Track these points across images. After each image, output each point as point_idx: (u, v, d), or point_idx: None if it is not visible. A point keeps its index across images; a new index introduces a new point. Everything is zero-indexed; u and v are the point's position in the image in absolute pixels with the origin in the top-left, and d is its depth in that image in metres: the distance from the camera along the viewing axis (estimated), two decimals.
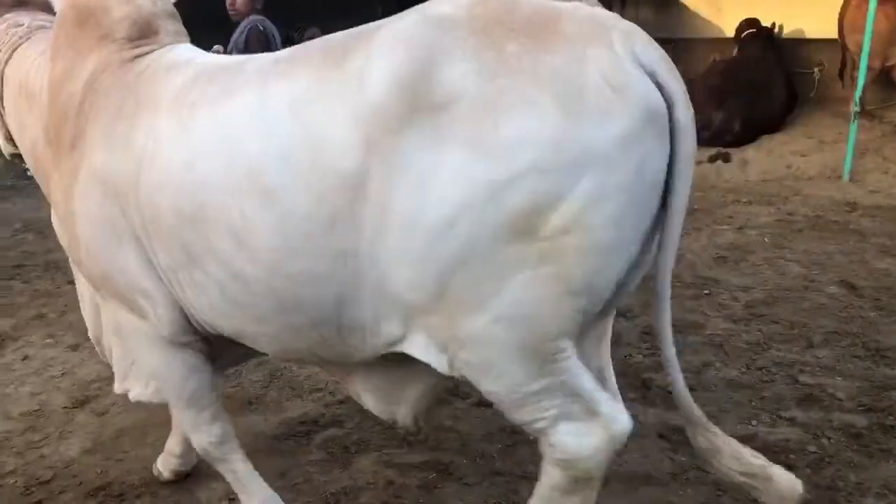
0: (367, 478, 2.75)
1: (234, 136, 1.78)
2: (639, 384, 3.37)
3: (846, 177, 6.88)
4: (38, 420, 3.22)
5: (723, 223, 5.81)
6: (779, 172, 7.30)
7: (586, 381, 1.74)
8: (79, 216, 2.07)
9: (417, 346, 1.76)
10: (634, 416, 3.01)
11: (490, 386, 1.74)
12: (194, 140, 1.84)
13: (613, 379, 2.06)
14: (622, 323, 4.01)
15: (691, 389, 3.22)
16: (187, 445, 2.63)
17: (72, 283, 4.86)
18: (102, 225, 2.03)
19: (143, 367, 2.41)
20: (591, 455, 1.75)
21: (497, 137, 1.50)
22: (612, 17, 1.64)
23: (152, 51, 2.12)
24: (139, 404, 3.25)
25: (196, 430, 2.31)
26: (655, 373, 3.44)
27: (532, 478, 2.72)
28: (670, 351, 1.82)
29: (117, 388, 2.60)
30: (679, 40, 10.08)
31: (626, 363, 3.56)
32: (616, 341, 3.79)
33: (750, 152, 7.70)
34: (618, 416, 1.77)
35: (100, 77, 2.08)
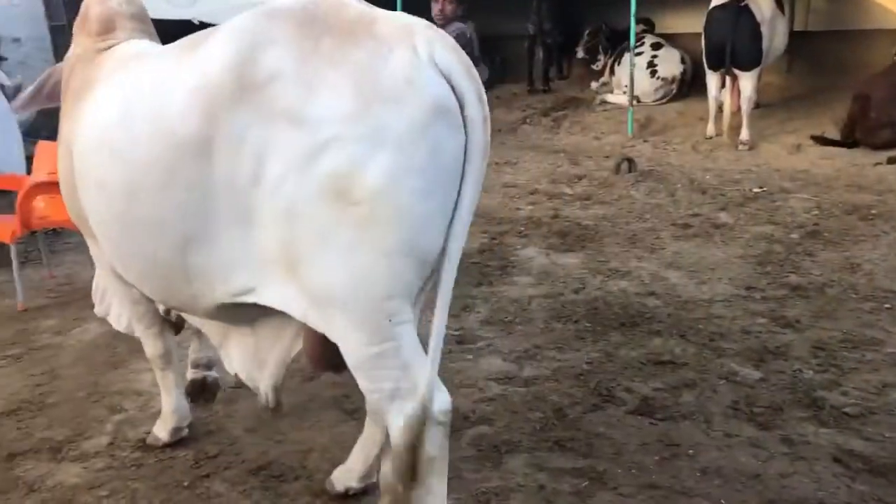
0: (517, 479, 2.71)
1: (106, 105, 2.30)
2: (809, 402, 3.13)
3: None
4: None
5: None
6: None
7: (417, 354, 2.01)
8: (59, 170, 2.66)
9: (271, 298, 2.06)
10: (803, 437, 2.85)
11: (340, 345, 2.01)
12: (88, 113, 2.36)
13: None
14: (789, 335, 3.76)
15: (870, 413, 3.00)
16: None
17: None
18: (64, 179, 2.60)
19: (108, 295, 3.07)
20: (414, 435, 2.00)
21: (306, 111, 1.84)
22: (422, 25, 1.95)
23: (116, 44, 2.61)
24: (294, 389, 3.41)
25: (146, 344, 2.94)
26: (829, 391, 3.20)
27: (690, 494, 2.61)
28: (441, 326, 2.02)
29: (97, 310, 3.19)
30: (856, 32, 9.38)
31: (795, 379, 3.32)
32: (783, 354, 3.58)
33: None
34: (437, 395, 2.03)
35: (76, 64, 2.65)
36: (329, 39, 1.89)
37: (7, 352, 3.93)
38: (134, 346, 3.93)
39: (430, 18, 1.93)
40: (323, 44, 1.88)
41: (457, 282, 2.03)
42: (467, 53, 2.02)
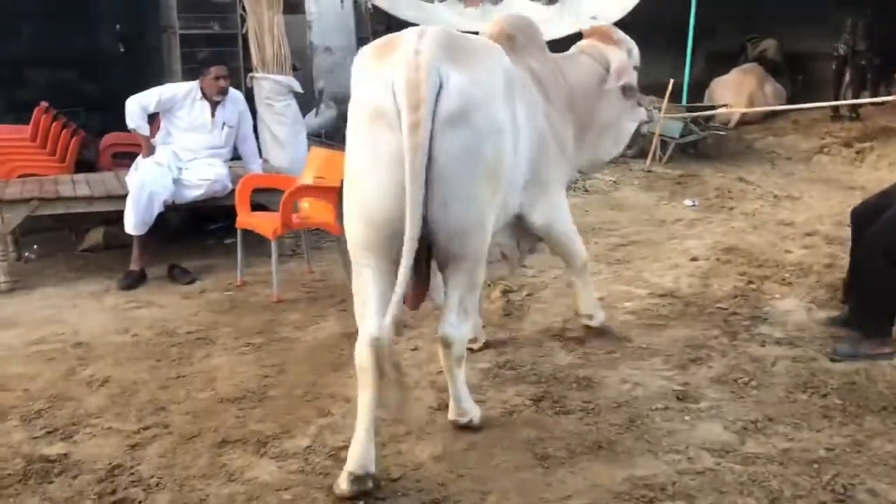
0: None
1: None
2: None
3: None
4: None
5: None
6: None
7: (373, 295, 2.85)
8: None
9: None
10: None
11: None
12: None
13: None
14: None
15: None
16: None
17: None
18: None
19: None
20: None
21: None
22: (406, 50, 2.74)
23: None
24: (493, 422, 3.31)
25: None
26: None
27: None
28: (402, 277, 2.65)
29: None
30: None
31: None
32: None
33: None
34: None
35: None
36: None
37: (252, 339, 4.31)
38: None
39: None
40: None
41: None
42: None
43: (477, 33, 3.66)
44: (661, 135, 9.05)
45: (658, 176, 8.71)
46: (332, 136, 10.69)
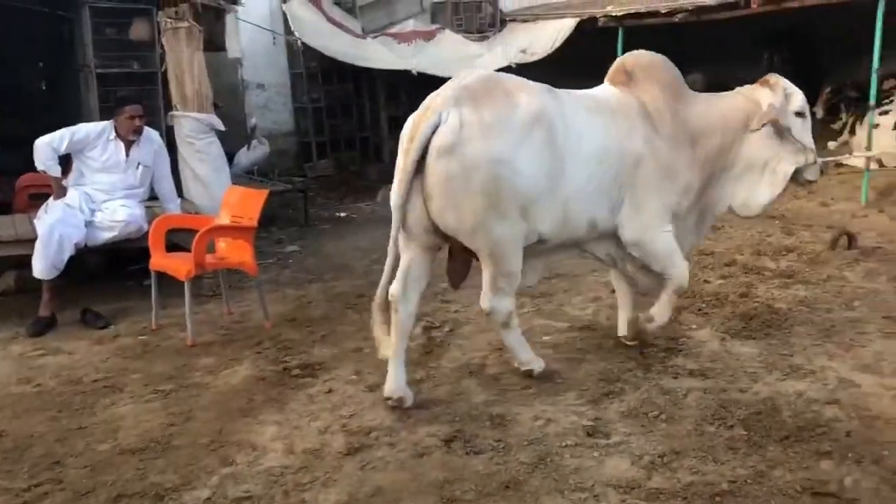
0: None
1: None
2: None
3: None
4: (314, 461, 3.35)
5: None
6: None
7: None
8: None
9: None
10: None
11: None
12: None
13: None
14: None
15: None
16: None
17: None
18: None
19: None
20: None
21: None
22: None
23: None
24: (402, 465, 3.25)
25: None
26: None
27: None
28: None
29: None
30: None
31: None
32: None
33: None
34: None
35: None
36: None
37: (161, 386, 4.18)
38: (270, 395, 4.03)
39: None
40: None
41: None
42: None
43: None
44: None
45: None
46: (265, 172, 10.61)
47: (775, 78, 4.44)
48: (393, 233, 3.71)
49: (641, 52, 4.42)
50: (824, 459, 3.22)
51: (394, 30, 11.74)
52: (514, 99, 3.64)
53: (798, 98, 4.38)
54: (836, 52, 10.57)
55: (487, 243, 3.70)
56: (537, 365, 4.12)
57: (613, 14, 9.85)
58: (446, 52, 11.08)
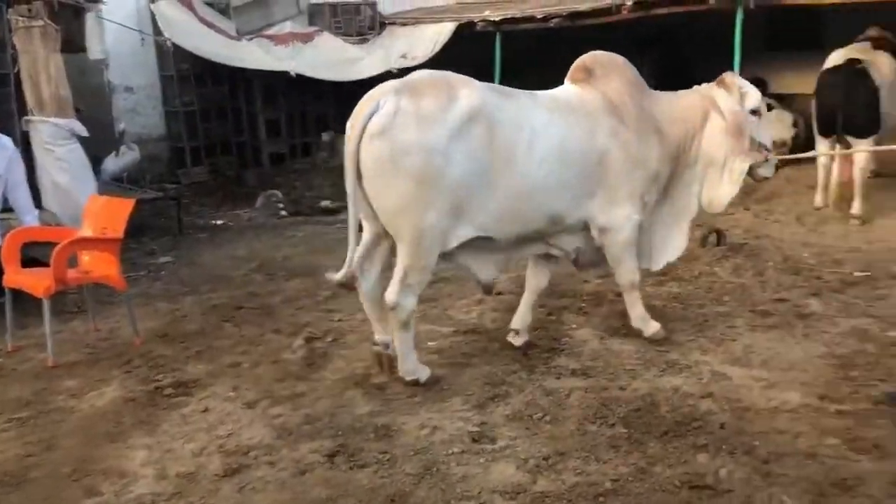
0: None
1: None
2: None
3: None
4: (188, 485, 3.17)
5: None
6: None
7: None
8: None
9: None
10: None
11: None
12: None
13: None
14: (864, 463, 3.18)
15: None
16: None
17: (276, 331, 4.95)
18: None
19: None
20: None
21: None
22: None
23: None
24: (283, 484, 3.12)
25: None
26: None
27: None
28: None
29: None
30: None
31: None
32: (851, 489, 3.00)
33: None
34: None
35: None
36: None
37: (17, 413, 3.86)
38: (140, 417, 3.79)
39: None
40: None
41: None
42: None
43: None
44: None
45: None
46: (135, 179, 10.10)
47: (731, 77, 4.60)
48: (350, 220, 3.93)
49: (598, 51, 4.55)
50: (701, 453, 3.32)
51: (270, 31, 11.45)
52: (454, 94, 3.78)
53: (753, 97, 4.51)
54: (702, 56, 11.08)
55: (409, 230, 3.79)
56: (423, 374, 4.07)
57: (491, 19, 9.96)
58: (325, 55, 10.91)
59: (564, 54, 5.82)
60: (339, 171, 10.06)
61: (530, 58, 11.92)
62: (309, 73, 10.07)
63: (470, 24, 10.26)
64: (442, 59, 10.30)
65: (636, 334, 4.66)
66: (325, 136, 11.47)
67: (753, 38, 8.51)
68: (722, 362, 4.25)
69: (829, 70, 7.53)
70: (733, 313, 5.05)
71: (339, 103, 11.33)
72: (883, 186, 7.99)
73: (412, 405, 3.87)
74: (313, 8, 12.06)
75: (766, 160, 4.58)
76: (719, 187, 4.53)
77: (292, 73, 10.34)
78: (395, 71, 10.35)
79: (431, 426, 3.64)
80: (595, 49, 4.56)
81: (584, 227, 4.35)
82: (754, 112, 4.50)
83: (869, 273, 5.78)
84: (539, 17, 9.43)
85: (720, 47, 8.57)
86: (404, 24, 11.46)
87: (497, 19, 9.91)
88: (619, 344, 4.59)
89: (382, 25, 11.76)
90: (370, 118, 3.71)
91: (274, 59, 10.78)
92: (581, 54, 4.54)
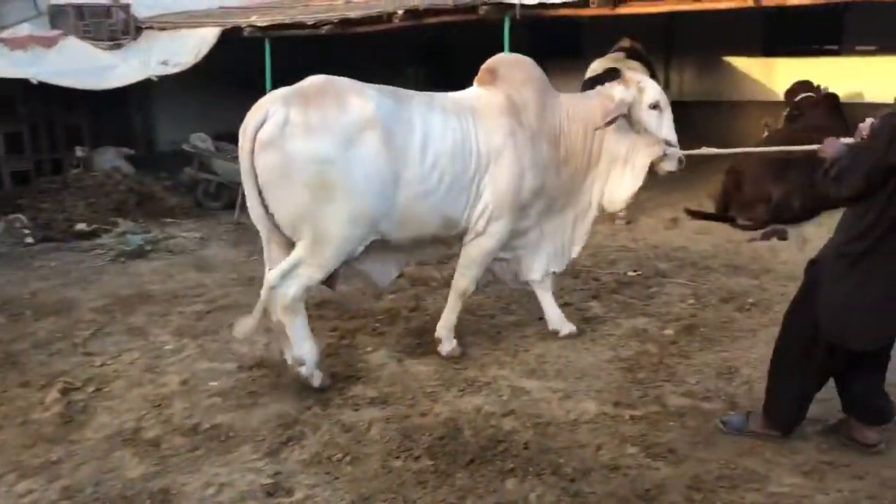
0: None
1: None
2: None
3: None
4: None
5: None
6: None
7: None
8: None
9: None
10: None
11: None
12: None
13: None
14: (663, 469, 3.24)
15: None
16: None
17: (23, 384, 4.24)
18: None
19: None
20: None
21: None
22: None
23: None
24: None
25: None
26: None
27: None
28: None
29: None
30: (728, 103, 9.36)
31: None
32: (654, 499, 3.01)
33: (809, 230, 6.86)
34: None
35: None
36: None
37: None
38: None
39: None
40: None
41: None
42: None
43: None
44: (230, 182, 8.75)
45: (247, 228, 8.32)
46: None
47: (630, 73, 4.55)
48: (263, 242, 3.99)
49: (505, 53, 4.52)
50: (509, 478, 3.22)
51: (4, 34, 10.09)
52: (344, 102, 3.78)
53: (651, 91, 4.43)
54: (473, 63, 11.37)
55: (311, 236, 3.79)
56: (310, 361, 4.02)
57: (258, 24, 9.48)
58: (72, 62, 9.77)
59: (339, 63, 5.59)
60: (95, 189, 9.18)
61: (309, 65, 11.62)
62: (55, 80, 8.98)
63: (236, 30, 9.70)
64: (209, 67, 9.68)
65: (433, 352, 4.52)
66: (79, 151, 10.31)
67: (520, 46, 8.80)
68: (519, 375, 4.22)
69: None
70: (523, 322, 5.07)
71: (94, 114, 10.30)
72: (644, 185, 8.56)
73: (194, 461, 3.43)
74: (55, 9, 10.81)
75: (666, 155, 4.47)
76: (621, 184, 4.53)
77: (34, 81, 9.16)
78: (154, 78, 9.57)
79: (218, 483, 3.23)
80: (372, 54, 4.47)
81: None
82: (654, 107, 4.44)
83: (640, 272, 6.10)
84: (309, 23, 9.10)
85: (490, 55, 8.83)
86: (163, 29, 10.60)
87: (264, 25, 9.45)
88: (417, 365, 4.42)
89: (138, 30, 10.80)
90: (260, 128, 3.69)
91: (10, 65, 9.50)
92: (359, 63, 4.38)
